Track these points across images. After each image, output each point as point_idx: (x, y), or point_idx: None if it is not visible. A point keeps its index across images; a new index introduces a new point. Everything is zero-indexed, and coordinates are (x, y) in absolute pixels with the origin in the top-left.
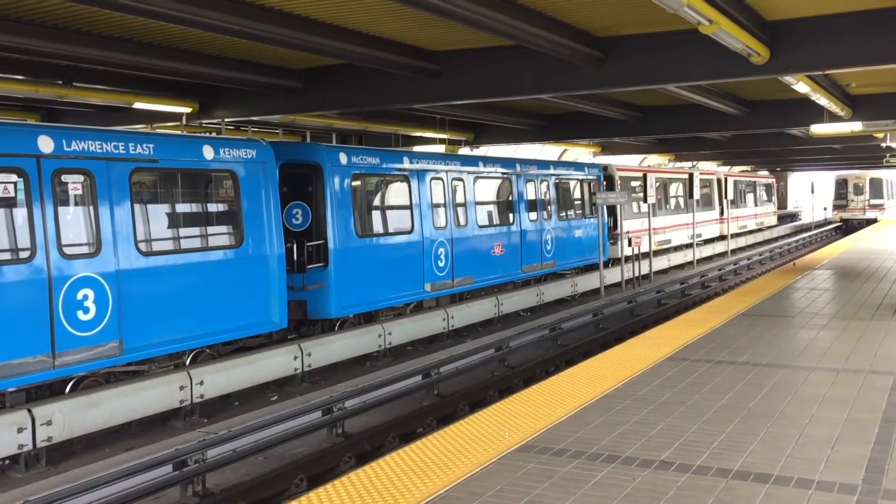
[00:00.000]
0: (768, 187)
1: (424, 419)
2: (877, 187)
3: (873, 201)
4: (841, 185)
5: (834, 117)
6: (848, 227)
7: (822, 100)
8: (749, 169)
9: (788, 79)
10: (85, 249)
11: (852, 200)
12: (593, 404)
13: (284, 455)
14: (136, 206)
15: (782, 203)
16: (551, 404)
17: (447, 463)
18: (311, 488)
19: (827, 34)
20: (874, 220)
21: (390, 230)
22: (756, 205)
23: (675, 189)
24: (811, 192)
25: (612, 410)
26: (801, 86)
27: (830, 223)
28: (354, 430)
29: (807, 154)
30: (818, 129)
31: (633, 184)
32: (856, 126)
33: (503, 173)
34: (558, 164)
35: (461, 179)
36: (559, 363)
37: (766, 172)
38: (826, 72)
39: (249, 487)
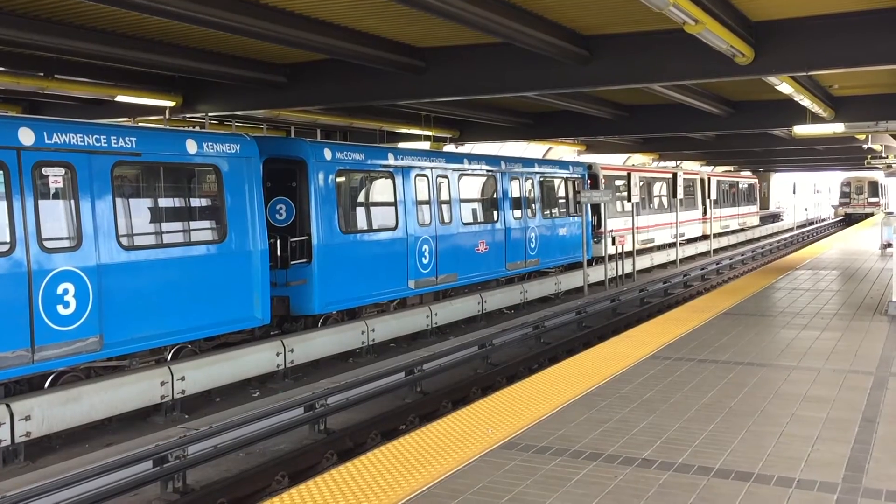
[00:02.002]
0: (751, 188)
1: (407, 416)
2: (874, 188)
3: (871, 199)
4: (846, 185)
5: (816, 118)
6: (850, 220)
7: (805, 101)
8: (732, 169)
9: (772, 79)
10: (65, 243)
11: (854, 199)
12: (576, 402)
13: (266, 451)
14: (118, 200)
15: (765, 203)
16: (534, 402)
17: (429, 460)
18: (293, 485)
19: (811, 35)
20: (871, 215)
21: (374, 227)
22: (739, 205)
23: (659, 188)
24: (793, 193)
25: (594, 408)
26: (785, 87)
27: (829, 219)
28: (336, 426)
29: (789, 155)
30: (801, 129)
31: (618, 183)
32: (838, 127)
33: (488, 171)
34: (543, 162)
35: (446, 177)
36: (542, 361)
37: (748, 173)
38: (809, 73)
39: (230, 484)
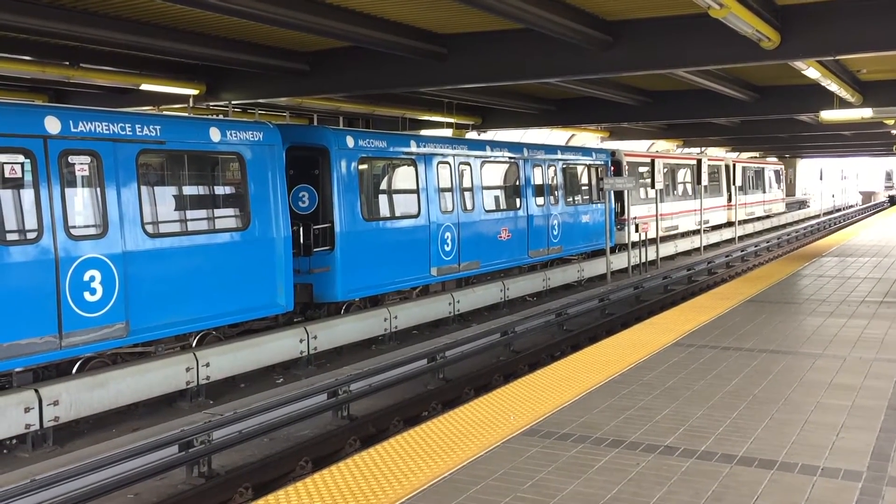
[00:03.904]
0: (777, 174)
1: (429, 403)
2: None
3: None
4: (889, 174)
5: (844, 103)
6: (893, 202)
7: (833, 86)
8: (758, 155)
9: (799, 64)
10: (92, 231)
11: None
12: (598, 389)
13: (290, 437)
14: (143, 188)
15: (791, 190)
16: (556, 389)
17: (451, 446)
18: (316, 470)
19: (838, 19)
20: None
21: (397, 214)
22: (764, 191)
23: (683, 175)
24: (820, 179)
25: (617, 395)
26: (812, 71)
27: (857, 205)
28: (359, 412)
29: (816, 141)
30: (828, 115)
31: (641, 169)
32: (866, 112)
33: (510, 158)
34: (566, 148)
35: (468, 164)
36: (564, 348)
37: (774, 159)
38: (837, 57)
39: (255, 469)
